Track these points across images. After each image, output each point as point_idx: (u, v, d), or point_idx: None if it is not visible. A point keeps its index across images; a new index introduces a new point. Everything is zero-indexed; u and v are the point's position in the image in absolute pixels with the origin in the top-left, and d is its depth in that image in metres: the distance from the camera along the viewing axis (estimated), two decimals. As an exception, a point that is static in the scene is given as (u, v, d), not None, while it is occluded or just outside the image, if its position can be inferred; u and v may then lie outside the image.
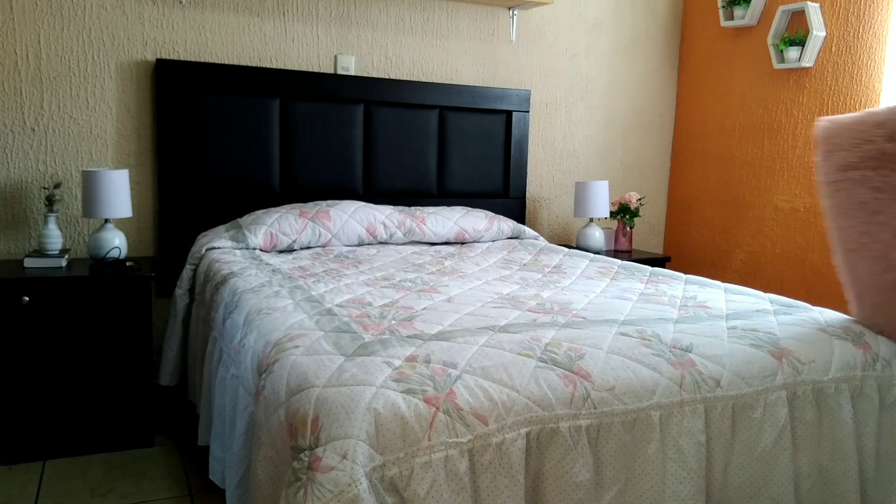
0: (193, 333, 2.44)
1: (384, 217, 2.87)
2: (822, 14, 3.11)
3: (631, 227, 3.55)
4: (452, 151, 3.26)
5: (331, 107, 3.01)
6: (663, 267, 3.13)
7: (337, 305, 1.79)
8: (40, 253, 2.49)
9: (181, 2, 2.77)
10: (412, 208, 3.03)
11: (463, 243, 3.03)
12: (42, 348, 2.34)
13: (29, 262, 2.44)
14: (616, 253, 3.45)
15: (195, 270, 2.57)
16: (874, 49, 2.95)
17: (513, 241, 3.13)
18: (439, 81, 3.28)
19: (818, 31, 3.11)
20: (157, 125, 2.76)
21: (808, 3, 3.11)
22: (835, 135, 1.76)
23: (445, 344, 1.47)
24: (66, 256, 2.53)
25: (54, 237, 2.51)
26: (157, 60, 2.73)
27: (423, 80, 3.25)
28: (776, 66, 3.28)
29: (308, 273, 2.24)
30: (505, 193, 3.43)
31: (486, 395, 1.29)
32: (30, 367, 2.34)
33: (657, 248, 3.97)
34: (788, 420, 1.55)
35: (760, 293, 2.16)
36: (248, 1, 2.90)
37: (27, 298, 2.29)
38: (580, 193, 3.39)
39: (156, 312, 2.65)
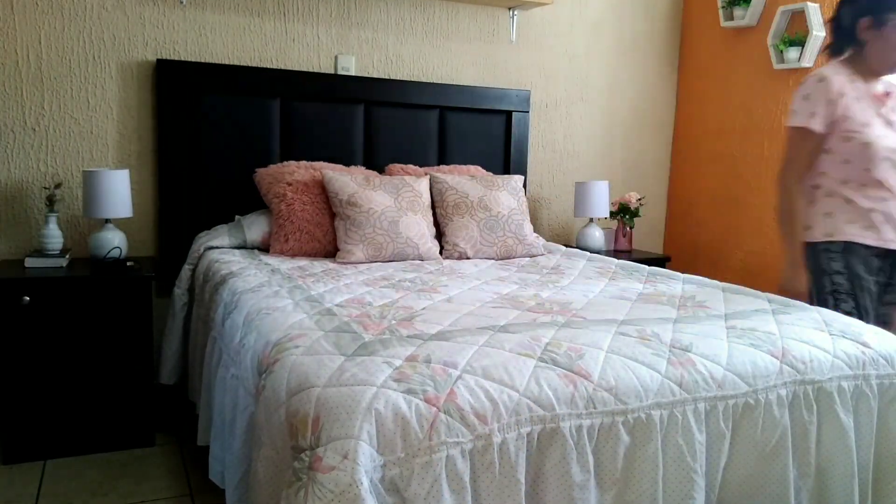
0: (193, 333, 2.45)
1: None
2: (822, 14, 3.11)
3: (631, 228, 3.56)
4: (453, 151, 3.26)
5: (331, 107, 3.01)
6: (663, 267, 3.12)
7: (337, 305, 1.80)
8: (41, 253, 2.49)
9: (182, 2, 2.77)
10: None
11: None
12: (43, 348, 2.35)
13: (30, 262, 2.45)
14: (616, 253, 3.44)
15: (194, 270, 2.57)
16: (874, 49, 2.94)
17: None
18: (439, 82, 3.28)
19: (818, 32, 3.10)
20: (158, 125, 2.76)
21: (808, 3, 3.11)
22: None
23: (445, 344, 1.47)
24: (67, 256, 2.53)
25: (55, 237, 2.51)
26: (158, 61, 2.73)
27: (424, 80, 3.25)
28: (776, 66, 3.28)
29: (307, 273, 2.24)
30: (505, 193, 3.42)
31: (486, 395, 1.29)
32: (30, 367, 2.34)
33: (657, 248, 3.98)
34: (788, 420, 1.55)
35: (759, 293, 2.16)
36: (249, 1, 2.90)
37: (28, 298, 2.29)
38: (580, 193, 3.40)
39: (156, 312, 2.65)
